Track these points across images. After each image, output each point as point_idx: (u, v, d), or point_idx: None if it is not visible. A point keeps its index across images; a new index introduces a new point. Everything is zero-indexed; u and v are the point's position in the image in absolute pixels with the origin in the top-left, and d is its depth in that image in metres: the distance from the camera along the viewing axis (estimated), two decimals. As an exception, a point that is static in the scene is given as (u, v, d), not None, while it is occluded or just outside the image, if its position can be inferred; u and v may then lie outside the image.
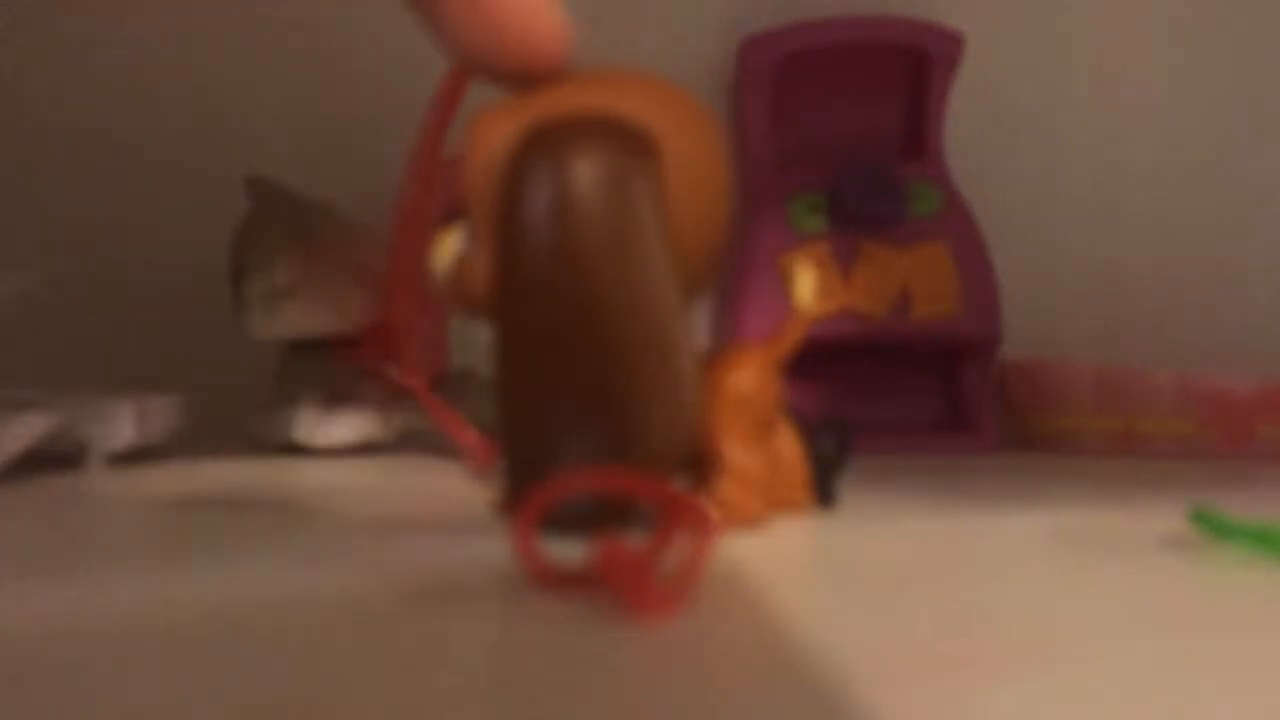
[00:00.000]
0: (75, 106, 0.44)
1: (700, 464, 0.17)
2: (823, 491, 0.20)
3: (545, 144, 0.15)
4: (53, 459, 0.28)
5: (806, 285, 0.18)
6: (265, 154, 0.44)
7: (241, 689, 0.08)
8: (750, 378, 0.18)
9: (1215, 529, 0.16)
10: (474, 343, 0.36)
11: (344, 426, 0.35)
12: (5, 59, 0.43)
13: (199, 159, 0.44)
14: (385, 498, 0.22)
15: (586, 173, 0.15)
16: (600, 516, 0.15)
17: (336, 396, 0.35)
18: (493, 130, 0.16)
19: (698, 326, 0.44)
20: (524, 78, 0.16)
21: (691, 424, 0.16)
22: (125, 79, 0.44)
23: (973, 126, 0.46)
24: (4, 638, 0.10)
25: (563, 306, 0.15)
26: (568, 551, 0.15)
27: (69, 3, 0.43)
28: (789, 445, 0.19)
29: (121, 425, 0.28)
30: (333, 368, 0.35)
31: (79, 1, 0.43)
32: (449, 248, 0.19)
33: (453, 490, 0.23)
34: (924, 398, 0.42)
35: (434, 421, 0.34)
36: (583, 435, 0.15)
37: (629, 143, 0.16)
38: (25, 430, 0.25)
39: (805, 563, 0.14)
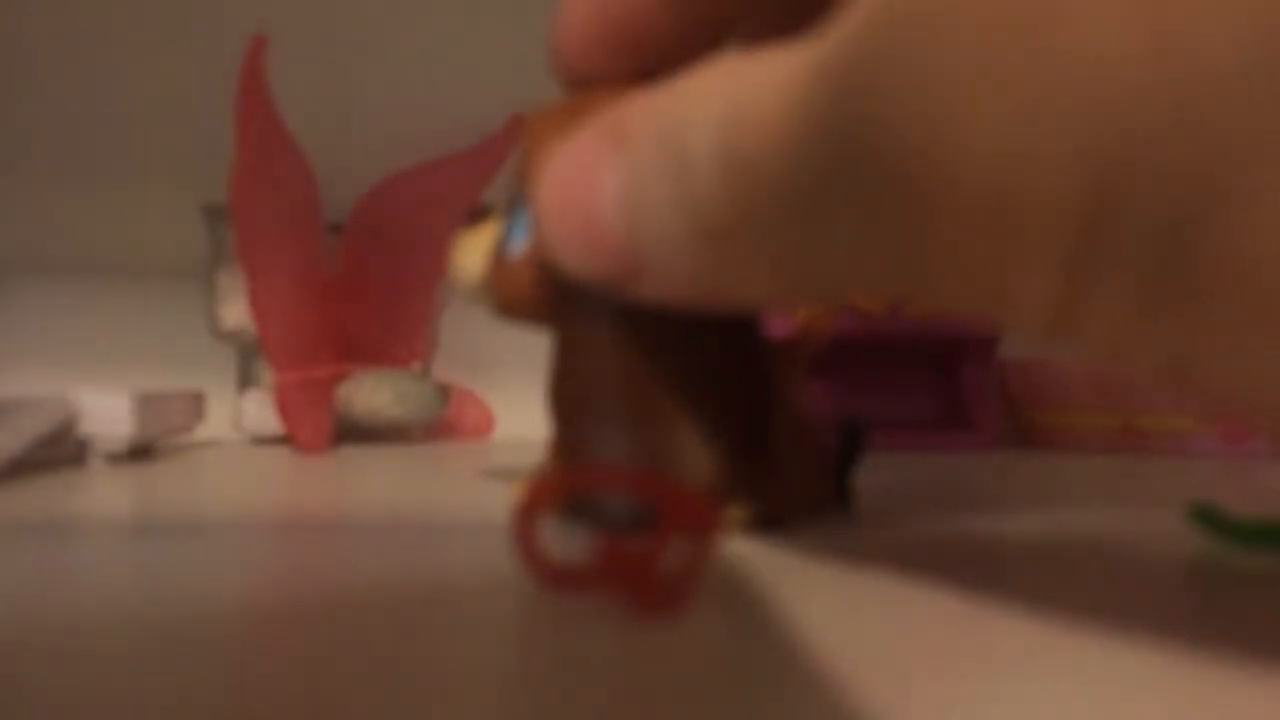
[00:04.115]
0: (77, 104, 0.44)
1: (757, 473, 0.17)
2: (843, 492, 0.20)
3: None
4: (53, 458, 0.28)
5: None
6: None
7: (242, 689, 0.08)
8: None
9: (1215, 527, 0.16)
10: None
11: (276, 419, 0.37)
12: (4, 57, 0.43)
13: (199, 158, 0.44)
14: (386, 494, 0.22)
15: None
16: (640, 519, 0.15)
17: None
18: (555, 130, 0.16)
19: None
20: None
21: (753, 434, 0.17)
22: (127, 79, 0.44)
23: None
24: (2, 637, 0.10)
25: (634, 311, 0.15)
26: (570, 550, 0.15)
27: (62, 3, 0.43)
28: (813, 445, 0.19)
29: (122, 423, 0.28)
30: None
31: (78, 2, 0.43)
32: (478, 247, 0.18)
33: (454, 488, 0.23)
34: (923, 395, 0.42)
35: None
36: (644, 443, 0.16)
37: None
38: (26, 429, 0.25)
39: (805, 560, 0.14)
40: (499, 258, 0.17)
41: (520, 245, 0.17)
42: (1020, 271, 0.09)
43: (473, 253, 0.18)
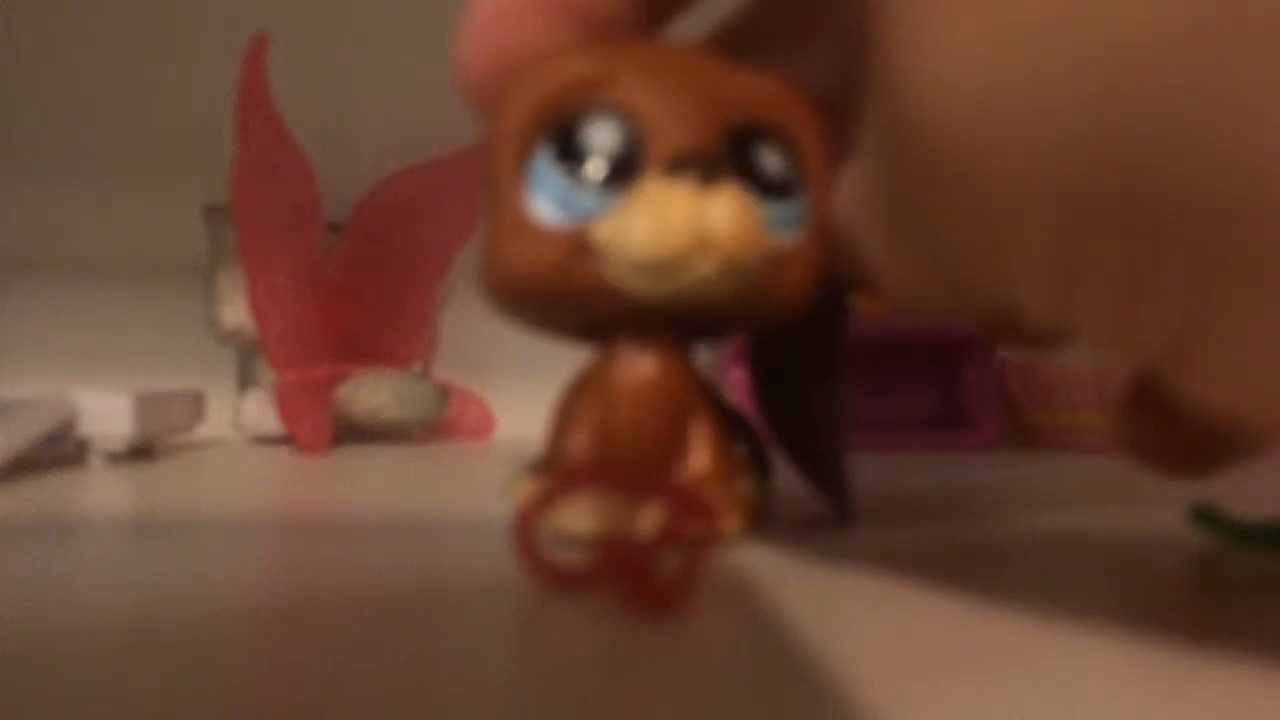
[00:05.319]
0: (77, 103, 0.44)
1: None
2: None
3: None
4: (53, 458, 0.28)
5: None
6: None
7: (242, 689, 0.08)
8: None
9: (1215, 527, 0.16)
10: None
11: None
12: (4, 57, 0.43)
13: (199, 158, 0.44)
14: (386, 494, 0.22)
15: None
16: None
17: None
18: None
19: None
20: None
21: None
22: (127, 78, 0.44)
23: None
24: (2, 637, 0.10)
25: None
26: (569, 550, 0.15)
27: (63, 3, 0.43)
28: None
29: (122, 423, 0.28)
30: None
31: (75, 2, 0.43)
32: (739, 214, 0.14)
33: (454, 488, 0.23)
34: (923, 394, 0.42)
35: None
36: None
37: None
38: (26, 429, 0.25)
39: (804, 561, 0.14)
40: (776, 245, 0.15)
41: (797, 234, 0.15)
42: (1015, 226, 0.08)
43: (737, 216, 0.14)
